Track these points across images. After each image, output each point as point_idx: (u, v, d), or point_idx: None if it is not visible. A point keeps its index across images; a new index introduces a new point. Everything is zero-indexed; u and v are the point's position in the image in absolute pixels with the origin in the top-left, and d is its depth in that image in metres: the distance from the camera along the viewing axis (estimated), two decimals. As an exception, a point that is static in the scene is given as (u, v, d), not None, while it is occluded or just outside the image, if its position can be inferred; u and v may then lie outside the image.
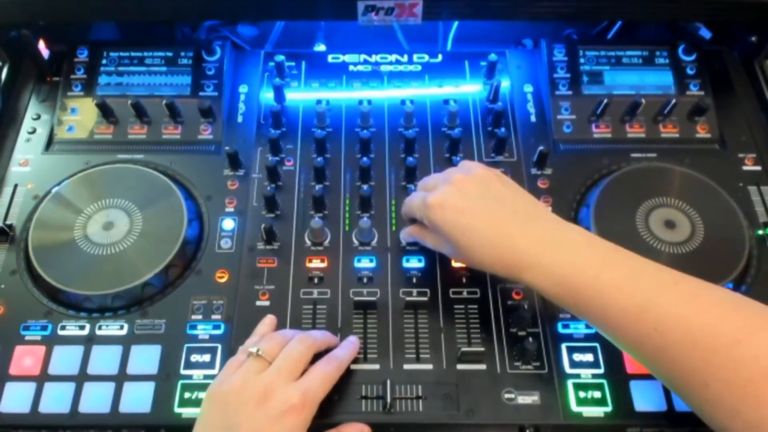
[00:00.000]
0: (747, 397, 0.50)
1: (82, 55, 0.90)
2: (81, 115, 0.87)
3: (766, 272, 0.75)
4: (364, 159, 0.80)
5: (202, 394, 0.66)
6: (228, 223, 0.79)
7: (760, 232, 0.78)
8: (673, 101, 0.85)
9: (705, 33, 0.93)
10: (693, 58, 0.90)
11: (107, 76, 0.89)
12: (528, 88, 0.90)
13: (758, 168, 0.83)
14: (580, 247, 0.60)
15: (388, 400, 0.66)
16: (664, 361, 0.55)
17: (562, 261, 0.59)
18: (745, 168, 0.83)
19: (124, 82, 0.89)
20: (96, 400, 0.67)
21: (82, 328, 0.71)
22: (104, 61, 0.90)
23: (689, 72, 0.89)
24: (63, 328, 0.71)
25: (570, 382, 0.68)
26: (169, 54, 0.90)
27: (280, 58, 0.89)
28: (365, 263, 0.76)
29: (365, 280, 0.75)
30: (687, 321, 0.53)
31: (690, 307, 0.54)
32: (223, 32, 1.03)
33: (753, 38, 0.90)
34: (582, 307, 0.59)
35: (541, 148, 0.81)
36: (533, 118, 0.88)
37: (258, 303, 0.73)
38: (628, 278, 0.57)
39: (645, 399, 0.67)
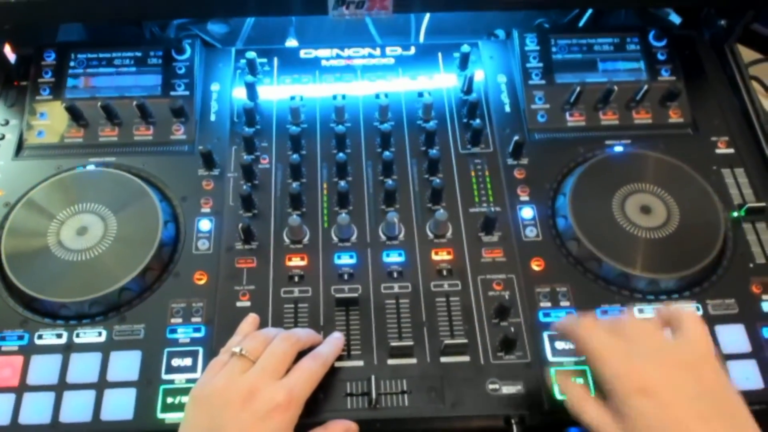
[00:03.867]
0: None
1: (50, 58, 0.89)
2: (50, 119, 0.85)
3: (741, 254, 0.76)
4: (340, 155, 0.80)
5: (184, 399, 0.65)
6: (204, 224, 0.78)
7: (735, 214, 0.79)
8: (645, 87, 0.85)
9: (675, 18, 0.94)
10: (664, 43, 0.90)
11: (76, 79, 0.87)
12: (501, 79, 0.90)
13: (731, 151, 0.84)
14: None
15: (374, 396, 0.66)
16: None
17: None
18: (718, 151, 0.84)
19: (93, 84, 0.87)
20: (77, 409, 0.66)
21: (59, 336, 0.70)
22: (72, 63, 0.88)
23: (660, 58, 0.90)
24: (40, 337, 0.70)
25: (553, 370, 0.68)
26: (138, 54, 0.89)
27: (252, 55, 0.88)
28: (345, 260, 0.75)
29: (346, 276, 0.74)
30: None
31: None
32: (192, 30, 1.01)
33: (722, 22, 0.91)
34: None
35: (516, 138, 0.81)
36: (508, 108, 0.88)
37: (238, 304, 0.72)
38: None
39: (627, 384, 0.67)
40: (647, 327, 0.58)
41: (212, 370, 0.62)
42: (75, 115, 0.83)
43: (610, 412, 0.55)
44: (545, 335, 0.70)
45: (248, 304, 0.72)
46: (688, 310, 0.63)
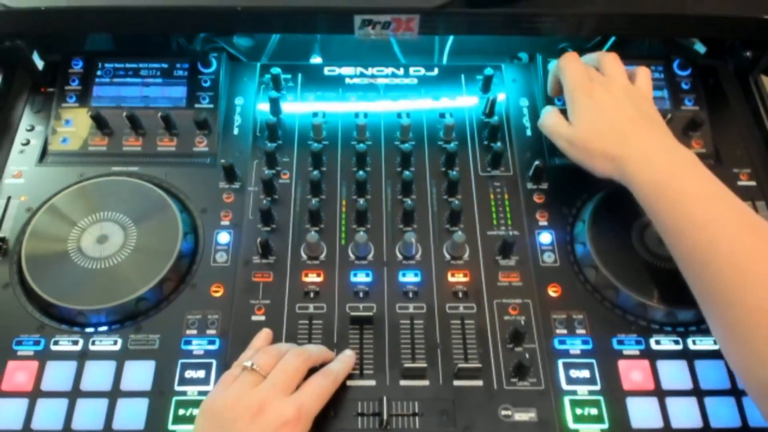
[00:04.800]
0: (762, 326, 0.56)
1: (77, 66, 0.90)
2: (75, 126, 0.86)
3: (761, 288, 0.75)
4: (360, 173, 0.80)
5: (196, 411, 0.65)
6: (223, 237, 0.78)
7: (755, 247, 0.78)
8: (669, 116, 0.85)
9: (700, 48, 0.94)
10: (688, 72, 0.90)
11: (102, 87, 0.88)
12: (524, 102, 0.90)
13: (753, 183, 0.83)
14: (685, 166, 0.67)
15: (385, 417, 0.65)
16: (706, 276, 0.62)
17: (664, 167, 0.67)
18: (740, 183, 0.83)
19: (119, 93, 0.88)
20: (89, 416, 0.66)
21: (75, 343, 0.70)
22: (99, 72, 0.89)
23: (684, 87, 0.89)
24: (56, 343, 0.70)
25: (567, 399, 0.68)
26: (165, 65, 0.90)
27: (276, 70, 0.89)
28: (361, 277, 0.75)
29: (361, 294, 0.74)
30: (740, 244, 0.60)
31: (746, 235, 0.61)
32: (218, 43, 1.02)
33: (747, 53, 0.90)
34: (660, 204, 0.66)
35: (536, 162, 0.81)
36: (529, 132, 0.88)
37: (253, 318, 0.73)
38: (707, 198, 0.64)
39: (642, 416, 0.67)
40: (616, 67, 0.77)
41: (223, 384, 0.63)
42: (100, 123, 0.84)
43: (566, 121, 0.76)
44: (560, 362, 0.70)
45: (263, 318, 0.73)
46: (644, 68, 0.78)
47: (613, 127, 0.71)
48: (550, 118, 0.78)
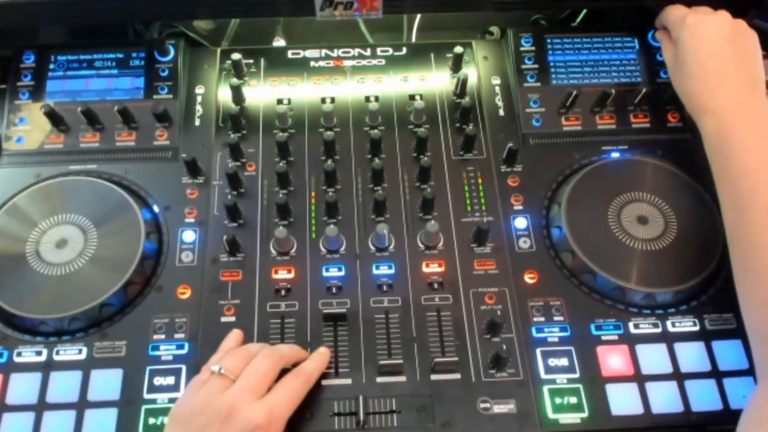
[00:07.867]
0: None
1: (29, 60, 0.86)
2: (30, 124, 0.82)
3: (740, 265, 0.74)
4: (329, 162, 0.78)
5: (167, 419, 0.63)
6: (188, 235, 0.75)
7: (734, 223, 0.76)
8: (644, 89, 0.83)
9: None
10: (662, 43, 0.88)
11: (55, 81, 0.84)
12: (495, 81, 0.87)
13: (730, 156, 0.81)
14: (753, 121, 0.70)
15: (362, 416, 0.64)
16: (741, 220, 0.66)
17: (737, 133, 0.69)
18: (716, 157, 0.81)
19: (73, 87, 0.84)
20: (56, 430, 0.64)
21: (38, 353, 0.68)
22: (52, 66, 0.85)
23: (659, 58, 0.87)
24: (19, 354, 0.68)
25: (546, 388, 0.67)
26: (120, 55, 0.86)
27: (237, 56, 0.85)
28: (334, 272, 0.73)
29: (334, 289, 0.72)
30: None
31: None
32: (177, 26, 0.98)
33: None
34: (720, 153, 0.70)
35: (510, 144, 0.79)
36: (502, 112, 0.85)
37: (223, 319, 0.70)
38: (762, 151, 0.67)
39: (622, 402, 0.66)
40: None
41: (192, 389, 0.61)
42: (54, 120, 0.81)
43: (672, 46, 0.78)
44: (538, 351, 0.69)
45: (233, 319, 0.70)
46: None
47: (707, 75, 0.73)
48: (661, 37, 0.82)
